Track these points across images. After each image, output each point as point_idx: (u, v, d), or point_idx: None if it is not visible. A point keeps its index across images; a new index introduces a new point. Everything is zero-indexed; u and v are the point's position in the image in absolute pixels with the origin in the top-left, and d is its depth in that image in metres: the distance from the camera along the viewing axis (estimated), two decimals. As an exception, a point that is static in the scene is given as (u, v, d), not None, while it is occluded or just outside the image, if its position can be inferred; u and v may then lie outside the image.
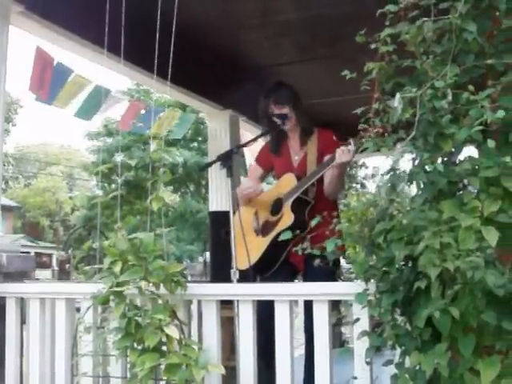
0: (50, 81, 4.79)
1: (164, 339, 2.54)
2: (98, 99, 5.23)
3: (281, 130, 3.79)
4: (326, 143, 3.62)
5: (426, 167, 2.12)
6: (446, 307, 1.87)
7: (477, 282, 1.80)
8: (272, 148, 3.90)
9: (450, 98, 2.02)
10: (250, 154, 7.33)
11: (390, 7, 2.20)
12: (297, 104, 3.75)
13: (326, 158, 3.52)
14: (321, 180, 3.59)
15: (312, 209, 3.54)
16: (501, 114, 1.91)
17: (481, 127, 1.95)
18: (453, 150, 2.12)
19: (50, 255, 33.18)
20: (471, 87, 2.02)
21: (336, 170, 3.42)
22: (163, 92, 5.63)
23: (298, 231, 2.78)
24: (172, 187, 22.85)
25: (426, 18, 2.14)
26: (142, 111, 5.89)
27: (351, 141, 3.22)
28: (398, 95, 2.11)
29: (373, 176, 2.21)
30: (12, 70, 3.87)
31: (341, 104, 4.72)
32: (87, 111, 5.33)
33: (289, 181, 3.68)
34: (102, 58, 4.02)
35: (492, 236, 1.84)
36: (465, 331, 1.91)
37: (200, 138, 22.17)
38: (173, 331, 2.55)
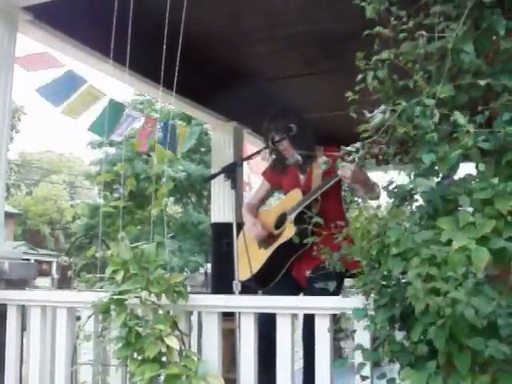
0: (54, 79, 4.76)
1: (164, 350, 2.55)
2: (113, 115, 5.17)
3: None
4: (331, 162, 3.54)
5: (418, 184, 2.14)
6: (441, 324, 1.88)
7: (459, 315, 1.79)
8: (278, 168, 3.91)
9: (436, 119, 2.03)
10: (248, 166, 7.35)
11: (387, 31, 2.22)
12: (297, 134, 3.69)
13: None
14: (325, 196, 3.59)
15: (315, 224, 3.53)
16: (485, 144, 1.96)
17: (460, 151, 1.97)
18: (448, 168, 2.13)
19: (49, 263, 33.12)
20: (457, 113, 2.03)
21: (356, 186, 3.44)
22: (168, 103, 5.64)
23: (299, 245, 2.80)
24: (174, 198, 22.82)
25: (422, 32, 2.16)
26: (157, 126, 5.86)
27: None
28: (380, 108, 2.12)
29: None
30: (16, 76, 3.88)
31: (345, 117, 4.74)
32: (102, 127, 5.18)
33: (295, 196, 3.69)
34: (107, 67, 4.05)
35: (482, 258, 1.82)
36: (460, 347, 1.90)
37: (203, 149, 22.18)
38: (173, 342, 2.55)
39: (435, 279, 1.85)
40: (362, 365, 2.26)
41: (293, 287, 3.64)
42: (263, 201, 4.08)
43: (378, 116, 2.11)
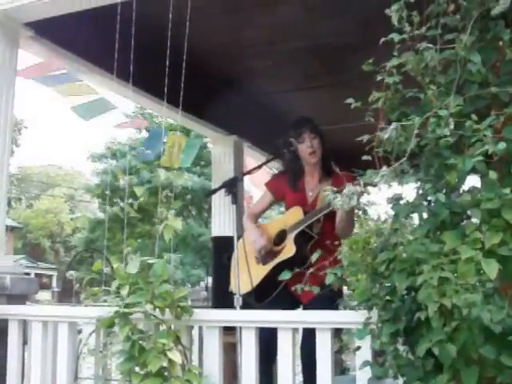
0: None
1: (166, 364, 2.55)
2: (102, 107, 5.56)
3: (299, 164, 3.78)
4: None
5: (429, 197, 2.14)
6: (447, 339, 1.87)
7: (474, 318, 1.80)
8: (290, 182, 3.82)
9: (451, 126, 2.03)
10: (249, 180, 7.34)
11: (394, 35, 2.23)
12: (323, 140, 3.73)
13: None
14: (327, 217, 3.55)
15: (315, 244, 3.51)
16: (502, 145, 1.92)
17: (481, 158, 1.96)
18: (456, 180, 2.13)
19: (50, 276, 33.08)
20: (474, 116, 2.03)
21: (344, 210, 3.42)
22: (170, 117, 5.67)
23: (298, 264, 2.78)
24: (175, 211, 22.79)
25: (430, 45, 2.17)
26: (144, 129, 6.14)
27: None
28: (393, 124, 2.12)
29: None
30: (17, 90, 3.89)
31: (346, 131, 4.77)
32: (87, 111, 5.57)
33: (295, 214, 3.65)
34: (110, 83, 4.07)
35: (492, 268, 1.83)
36: (467, 363, 1.90)
37: (203, 163, 22.18)
38: (176, 356, 2.55)
39: (449, 283, 1.86)
40: (371, 380, 2.25)
41: (292, 303, 3.60)
42: (264, 211, 4.05)
43: (392, 136, 2.10)
